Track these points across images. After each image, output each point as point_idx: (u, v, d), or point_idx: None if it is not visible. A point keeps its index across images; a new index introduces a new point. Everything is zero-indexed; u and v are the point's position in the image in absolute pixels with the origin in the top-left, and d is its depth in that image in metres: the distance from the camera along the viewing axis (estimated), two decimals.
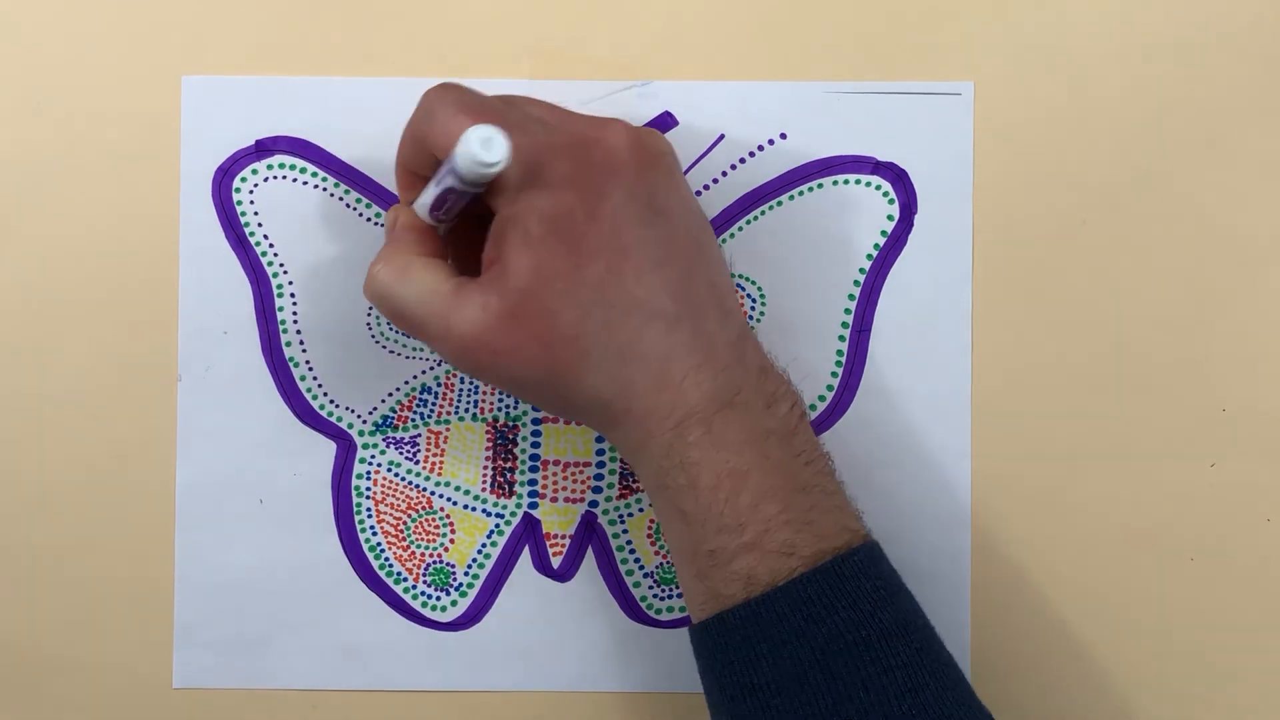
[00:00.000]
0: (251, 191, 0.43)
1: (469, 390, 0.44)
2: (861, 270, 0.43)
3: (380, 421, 0.44)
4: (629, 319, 0.35)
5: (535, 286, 0.35)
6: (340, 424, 0.44)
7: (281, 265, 0.43)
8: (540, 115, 0.37)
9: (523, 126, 0.36)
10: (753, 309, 0.44)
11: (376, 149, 0.43)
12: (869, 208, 0.43)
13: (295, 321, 0.43)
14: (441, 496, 0.44)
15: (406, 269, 0.37)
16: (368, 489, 0.44)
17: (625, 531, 0.44)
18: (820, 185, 0.43)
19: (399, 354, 0.44)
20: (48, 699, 0.44)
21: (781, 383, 0.37)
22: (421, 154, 0.38)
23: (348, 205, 0.43)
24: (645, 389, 0.35)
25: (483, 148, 0.33)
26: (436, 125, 0.36)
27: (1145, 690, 0.43)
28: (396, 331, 0.44)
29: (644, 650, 0.44)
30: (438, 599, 0.44)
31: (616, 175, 0.36)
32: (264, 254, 0.43)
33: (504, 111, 0.36)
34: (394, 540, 0.44)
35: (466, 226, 0.39)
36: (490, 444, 0.44)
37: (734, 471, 0.35)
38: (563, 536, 0.44)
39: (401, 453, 0.44)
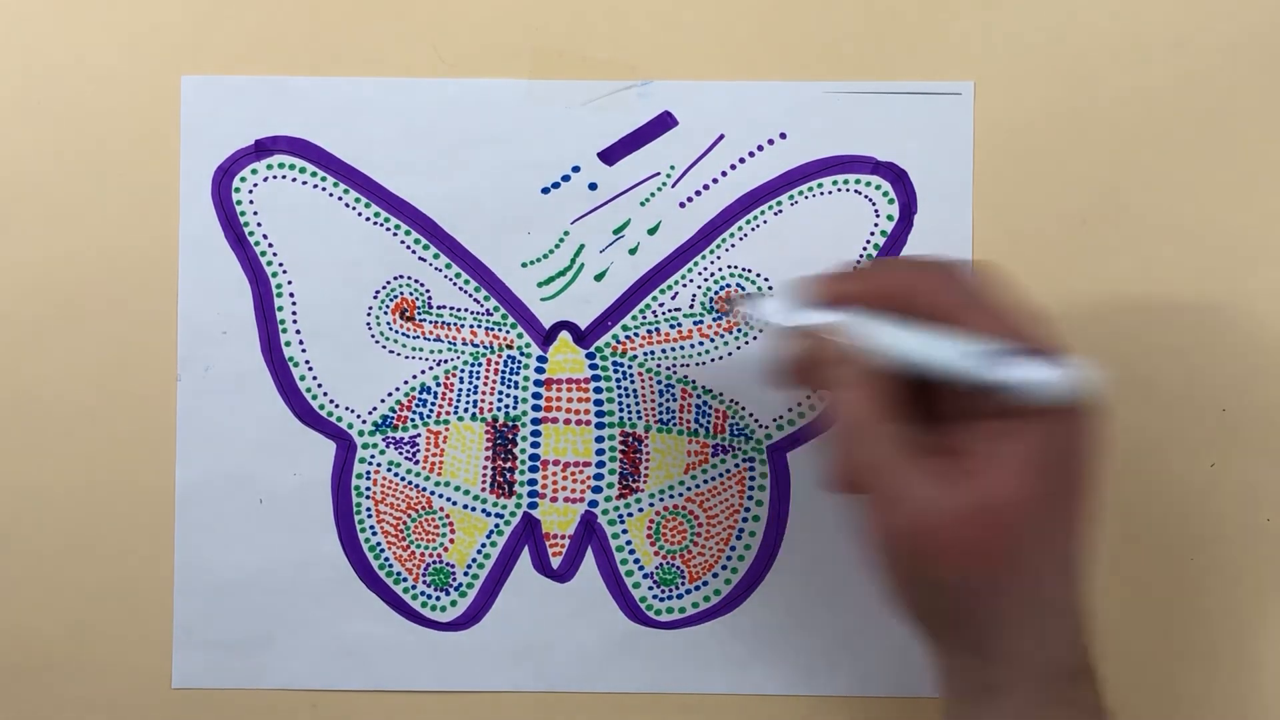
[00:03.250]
0: (251, 191, 0.43)
1: (469, 390, 0.44)
2: None
3: (380, 421, 0.44)
4: (1061, 574, 0.34)
5: (1019, 508, 0.32)
6: (340, 424, 0.44)
7: (281, 265, 0.43)
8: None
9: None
10: None
11: (376, 149, 0.43)
12: (869, 207, 0.43)
13: (295, 321, 0.43)
14: (441, 496, 0.44)
15: (883, 427, 0.33)
16: (367, 489, 0.44)
17: (625, 532, 0.44)
18: (820, 185, 0.43)
19: (399, 354, 0.44)
20: (48, 699, 0.44)
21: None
22: (917, 309, 0.34)
23: (347, 205, 0.43)
24: (1025, 637, 0.34)
25: (1076, 381, 0.31)
26: (986, 310, 0.33)
27: (1145, 690, 0.43)
28: (396, 331, 0.44)
29: (643, 650, 0.44)
30: (437, 599, 0.44)
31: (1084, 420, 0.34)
32: (263, 254, 0.43)
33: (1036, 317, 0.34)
34: (394, 540, 0.44)
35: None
36: (490, 444, 0.44)
37: None
38: (562, 536, 0.44)
39: (401, 452, 0.44)
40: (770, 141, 0.43)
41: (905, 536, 0.33)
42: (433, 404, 0.44)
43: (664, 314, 0.44)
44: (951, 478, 0.33)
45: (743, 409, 0.44)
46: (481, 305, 0.44)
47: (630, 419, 0.44)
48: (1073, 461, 0.33)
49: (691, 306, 0.44)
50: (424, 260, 0.43)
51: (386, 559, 0.44)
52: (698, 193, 0.43)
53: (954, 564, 0.33)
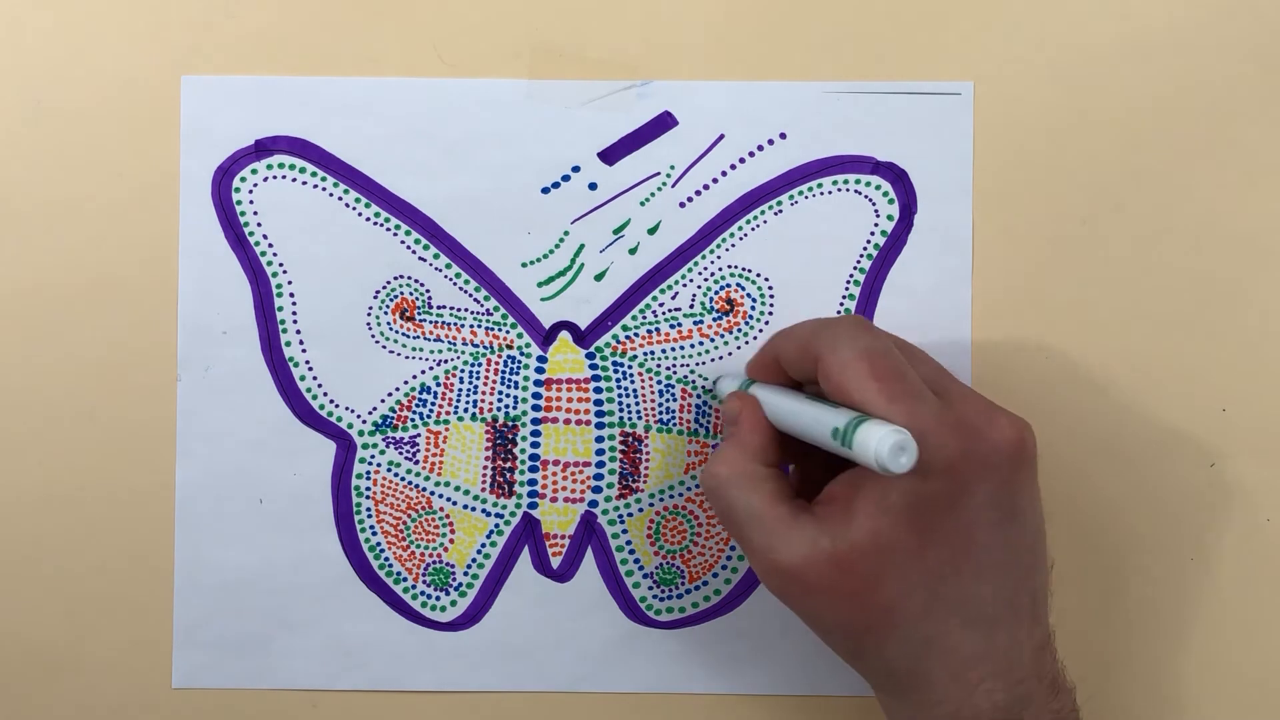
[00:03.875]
0: (251, 191, 0.43)
1: (468, 390, 0.44)
2: (861, 270, 0.43)
3: (380, 421, 0.44)
4: (950, 615, 0.35)
5: (872, 552, 0.34)
6: (340, 424, 0.44)
7: (281, 265, 0.43)
8: (934, 380, 0.36)
9: (920, 396, 0.35)
10: (753, 309, 0.44)
11: (376, 149, 0.43)
12: (869, 207, 0.43)
13: (295, 321, 0.43)
14: (441, 496, 0.44)
15: (749, 479, 0.36)
16: (367, 489, 0.44)
17: (625, 532, 0.44)
18: (820, 185, 0.43)
19: (398, 354, 0.44)
20: (48, 699, 0.44)
21: (1068, 699, 0.36)
22: (804, 362, 0.37)
23: (347, 205, 0.43)
24: (942, 682, 0.35)
25: (892, 454, 0.32)
26: (836, 360, 0.35)
27: (1145, 690, 0.43)
28: (396, 331, 0.44)
29: (643, 650, 0.44)
30: (437, 599, 0.44)
31: (989, 475, 0.35)
32: (263, 254, 0.43)
33: (905, 372, 0.35)
34: (394, 540, 0.44)
35: None
36: (490, 444, 0.44)
37: None
38: (562, 536, 0.44)
39: (401, 452, 0.44)
40: (770, 141, 0.43)
41: (773, 578, 0.36)
42: (433, 404, 0.44)
43: (664, 314, 0.44)
44: (818, 523, 0.35)
45: None
46: (481, 305, 0.44)
47: (630, 419, 0.44)
48: (927, 504, 0.34)
49: (691, 306, 0.44)
50: (424, 260, 0.43)
51: (386, 559, 0.44)
52: (698, 193, 0.43)
53: (819, 605, 0.35)
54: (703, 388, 0.44)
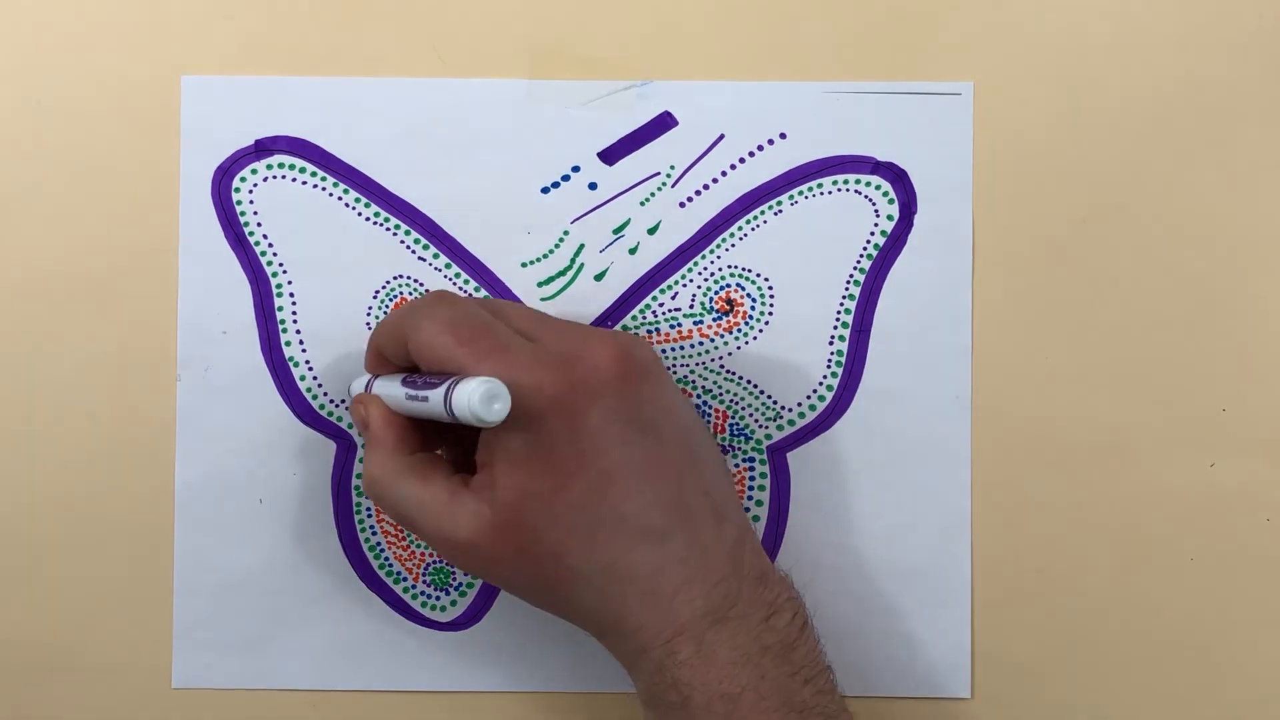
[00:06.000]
0: (251, 191, 0.43)
1: None
2: (861, 270, 0.43)
3: None
4: (616, 537, 0.35)
5: (519, 504, 0.35)
6: (340, 424, 0.44)
7: (281, 265, 0.43)
8: (526, 329, 0.37)
9: (507, 347, 0.35)
10: (753, 309, 0.44)
11: (376, 149, 0.43)
12: (869, 207, 0.43)
13: (295, 321, 0.43)
14: None
15: (399, 472, 0.37)
16: None
17: None
18: (820, 185, 0.43)
19: None
20: (48, 699, 0.44)
21: (783, 589, 0.37)
22: (401, 348, 0.38)
23: (347, 205, 0.43)
24: (635, 605, 0.35)
25: (484, 404, 0.33)
26: (423, 338, 0.36)
27: (1145, 690, 0.43)
28: None
29: None
30: (437, 599, 0.44)
31: (599, 394, 0.35)
32: (263, 254, 0.43)
33: (490, 328, 0.36)
34: (394, 540, 0.44)
35: None
36: None
37: (727, 694, 0.34)
38: None
39: None
40: (770, 141, 0.43)
41: (456, 558, 0.37)
42: None
43: (664, 314, 0.44)
44: (474, 495, 0.36)
45: (743, 409, 0.44)
46: None
47: None
48: (548, 442, 0.35)
49: (691, 306, 0.44)
50: (424, 260, 0.43)
51: (386, 559, 0.44)
52: (698, 193, 0.43)
53: (502, 571, 0.36)
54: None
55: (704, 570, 0.35)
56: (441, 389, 0.35)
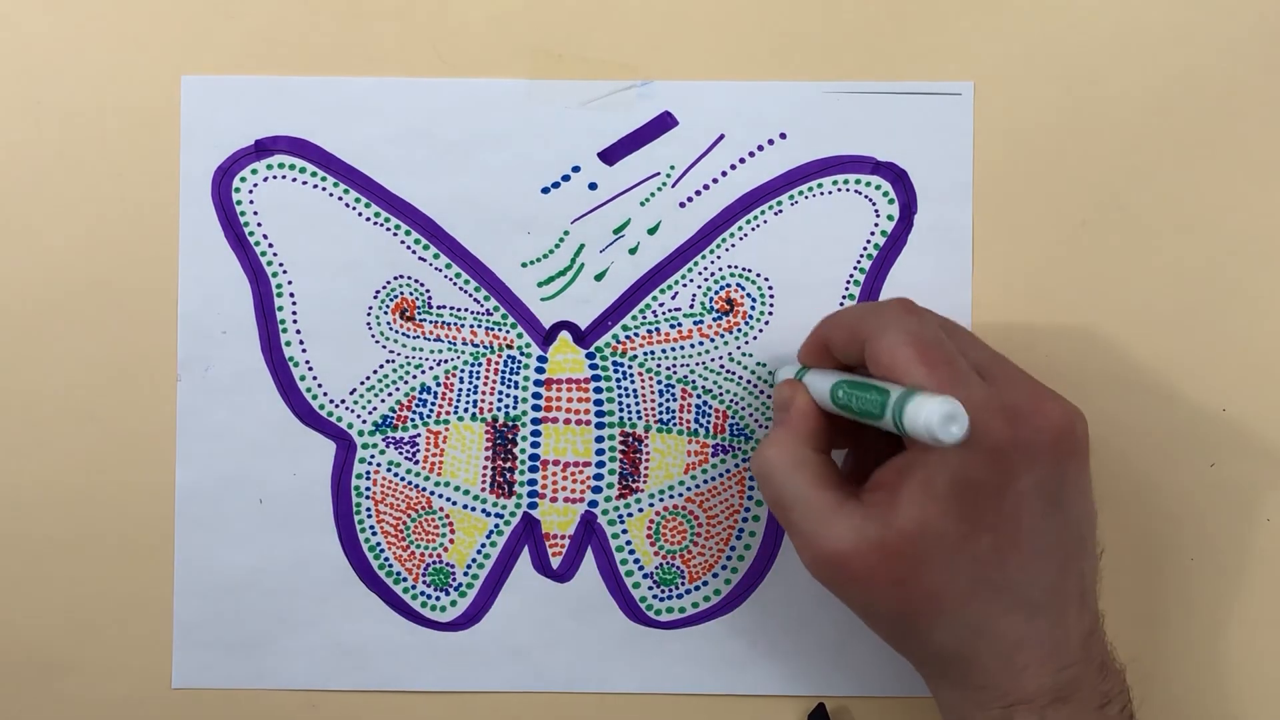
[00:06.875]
0: (251, 191, 0.43)
1: (468, 390, 0.44)
2: (861, 270, 0.43)
3: (380, 421, 0.44)
4: (996, 600, 0.35)
5: (918, 537, 0.34)
6: (340, 424, 0.44)
7: (281, 265, 0.43)
8: (983, 364, 0.36)
9: (966, 382, 0.35)
10: (753, 309, 0.44)
11: (376, 149, 0.43)
12: (869, 207, 0.43)
13: (295, 321, 0.43)
14: (441, 496, 0.44)
15: (799, 464, 0.37)
16: (367, 489, 0.44)
17: (625, 532, 0.44)
18: (820, 185, 0.43)
19: (398, 354, 0.44)
20: (48, 699, 0.44)
21: (1117, 681, 0.37)
22: (852, 346, 0.37)
23: (347, 205, 0.43)
24: (988, 666, 0.35)
25: (942, 423, 0.32)
26: (884, 344, 0.35)
27: (1145, 690, 0.43)
28: (396, 331, 0.44)
29: (643, 650, 0.44)
30: (437, 599, 0.44)
31: (1036, 460, 0.35)
32: (263, 254, 0.43)
33: (954, 358, 0.35)
34: (393, 540, 0.44)
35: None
36: (490, 444, 0.44)
37: None
38: (562, 537, 0.44)
39: (401, 452, 0.44)
40: (770, 141, 0.43)
41: (818, 565, 0.36)
42: (433, 404, 0.44)
43: (664, 314, 0.44)
44: (865, 510, 0.35)
45: (743, 409, 0.44)
46: (481, 305, 0.44)
47: (630, 419, 0.44)
48: (973, 490, 0.34)
49: (691, 306, 0.44)
50: (424, 260, 0.43)
51: (386, 559, 0.44)
52: (698, 193, 0.43)
53: (865, 591, 0.35)
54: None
55: (1059, 653, 0.35)
56: (894, 393, 0.34)
